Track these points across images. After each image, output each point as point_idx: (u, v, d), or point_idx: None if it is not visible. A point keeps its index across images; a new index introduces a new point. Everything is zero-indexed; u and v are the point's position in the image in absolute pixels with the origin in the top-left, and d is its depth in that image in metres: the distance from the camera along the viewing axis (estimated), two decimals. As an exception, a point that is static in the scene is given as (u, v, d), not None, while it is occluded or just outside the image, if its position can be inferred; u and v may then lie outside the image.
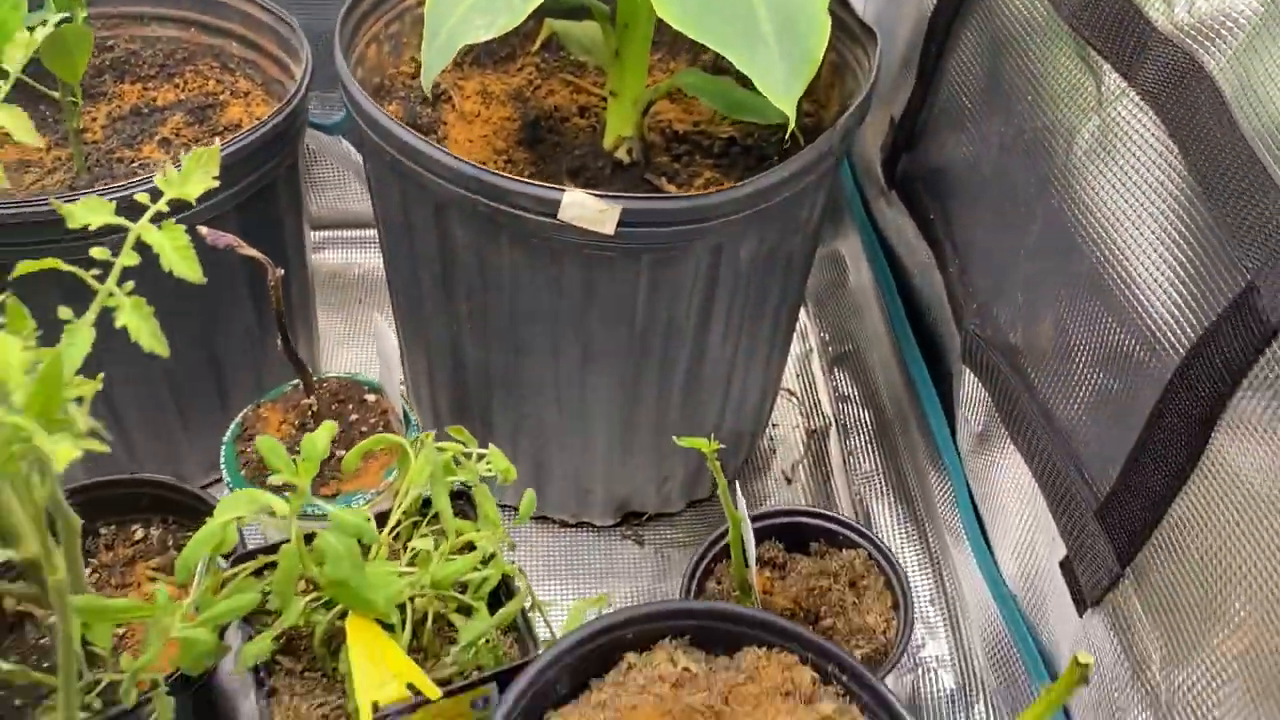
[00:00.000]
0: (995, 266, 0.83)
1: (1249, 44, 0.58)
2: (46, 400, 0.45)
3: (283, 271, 0.78)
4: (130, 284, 0.50)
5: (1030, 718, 0.56)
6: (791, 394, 1.17)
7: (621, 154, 0.93)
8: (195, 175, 0.54)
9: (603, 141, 0.94)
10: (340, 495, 0.83)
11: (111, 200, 0.52)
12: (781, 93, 0.69)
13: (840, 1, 0.95)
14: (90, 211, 0.51)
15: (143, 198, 0.54)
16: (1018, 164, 0.79)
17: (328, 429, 0.65)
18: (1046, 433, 0.74)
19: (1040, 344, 0.76)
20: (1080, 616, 0.70)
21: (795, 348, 1.18)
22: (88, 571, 0.77)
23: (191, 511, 0.80)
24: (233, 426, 0.90)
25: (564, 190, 0.75)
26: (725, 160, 0.95)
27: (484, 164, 0.81)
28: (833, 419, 1.13)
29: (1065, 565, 0.72)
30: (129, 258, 0.51)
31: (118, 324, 0.49)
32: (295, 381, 0.92)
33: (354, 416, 0.93)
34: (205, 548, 0.61)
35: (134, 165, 0.93)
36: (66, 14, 0.82)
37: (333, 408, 0.92)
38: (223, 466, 0.87)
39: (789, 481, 1.10)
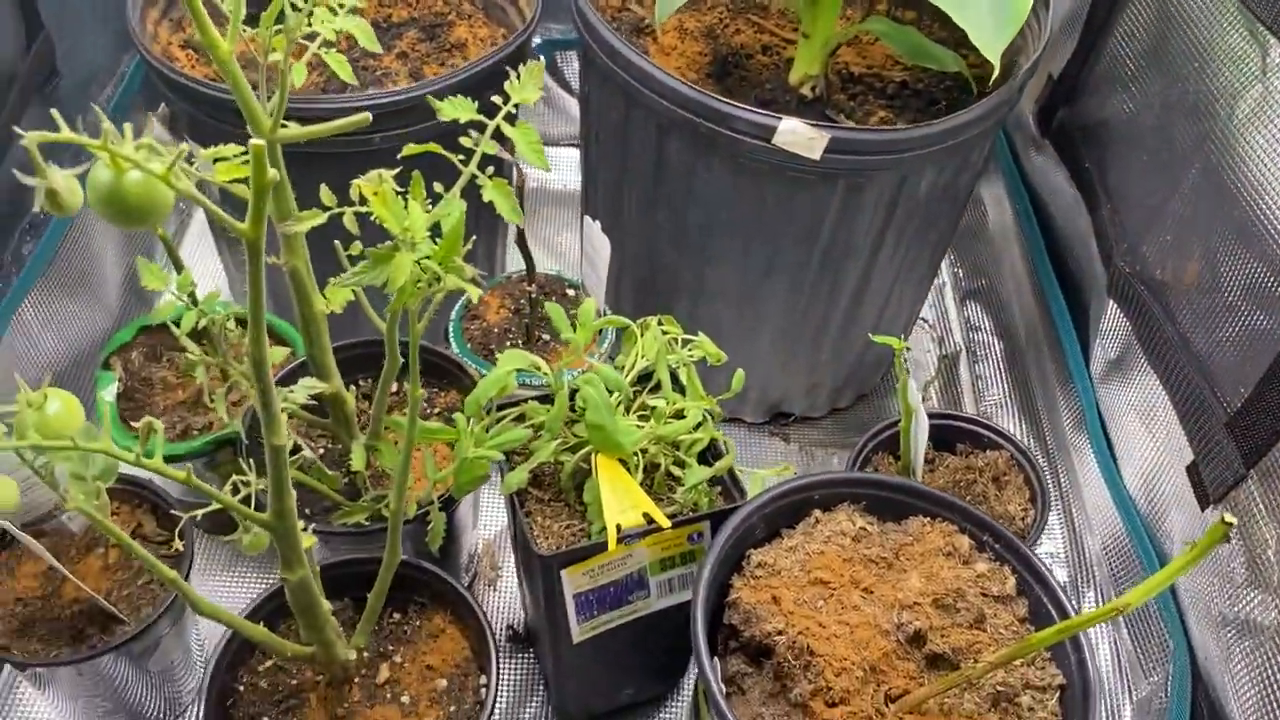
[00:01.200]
0: (1148, 210, 0.94)
1: None
2: (449, 250, 0.58)
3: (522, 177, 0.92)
4: (490, 169, 0.64)
5: (1164, 575, 0.69)
6: (925, 322, 1.29)
7: (805, 90, 1.05)
8: (529, 84, 0.67)
9: (788, 77, 1.06)
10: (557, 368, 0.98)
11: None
12: (990, 42, 0.80)
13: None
14: (456, 108, 0.65)
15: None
16: (1179, 122, 0.90)
17: (591, 304, 0.79)
18: (1186, 356, 0.86)
19: (1186, 280, 0.87)
20: (1202, 512, 0.82)
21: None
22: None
23: (440, 372, 0.94)
24: (458, 306, 1.04)
25: (781, 118, 0.88)
26: (898, 102, 1.06)
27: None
28: (963, 346, 1.25)
29: (1192, 469, 0.84)
30: (488, 146, 0.64)
31: (485, 198, 0.63)
32: (509, 273, 1.06)
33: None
34: (493, 389, 0.76)
35: (378, 74, 1.07)
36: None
37: (540, 299, 1.06)
38: (450, 339, 1.01)
39: (923, 401, 1.22)
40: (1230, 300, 0.82)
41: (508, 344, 1.05)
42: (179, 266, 0.80)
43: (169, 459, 0.89)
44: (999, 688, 0.71)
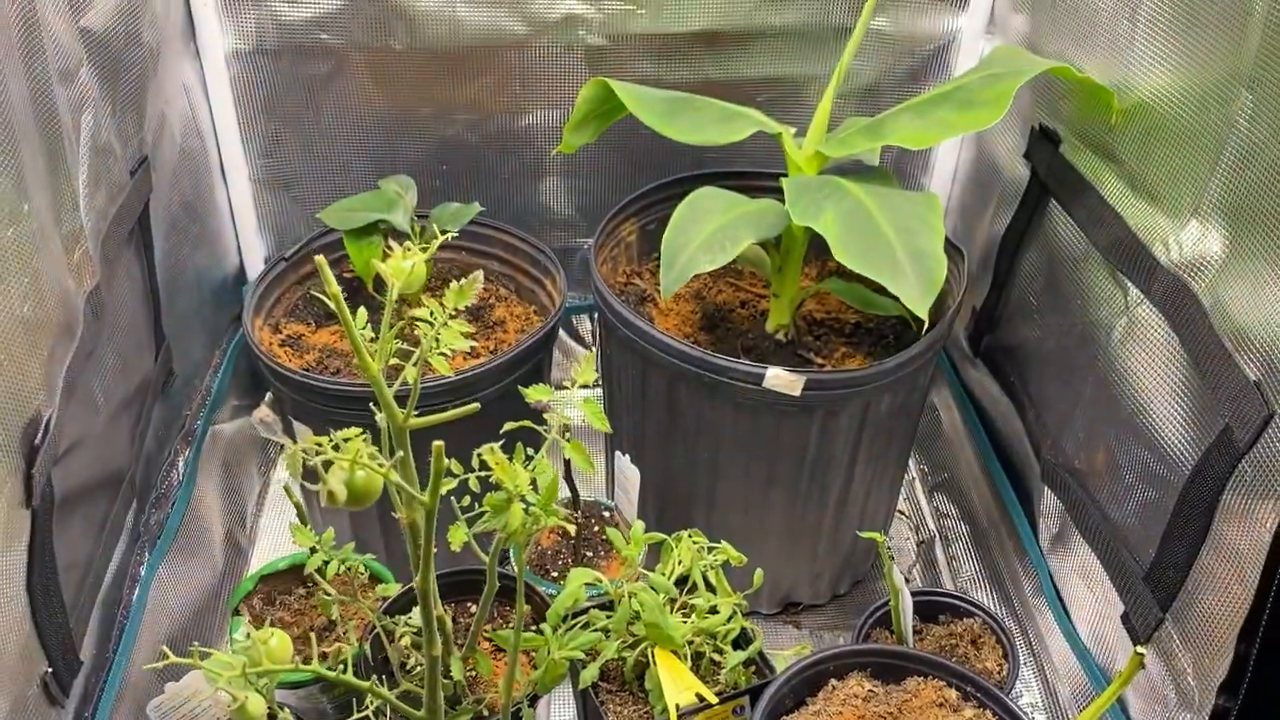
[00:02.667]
0: (1061, 414, 1.19)
1: (1218, 275, 0.95)
2: (548, 499, 0.81)
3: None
4: (569, 431, 0.87)
5: (1102, 702, 0.89)
6: (903, 514, 1.51)
7: (780, 336, 1.31)
8: (587, 369, 0.92)
9: (765, 326, 1.32)
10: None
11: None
12: (917, 304, 1.06)
13: (936, 228, 1.34)
14: (539, 392, 0.89)
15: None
16: (1073, 345, 1.16)
17: (640, 525, 1.01)
18: (1106, 527, 1.09)
19: (1097, 467, 1.11)
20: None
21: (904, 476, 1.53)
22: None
23: (505, 591, 1.14)
24: (515, 536, 1.25)
25: (767, 367, 1.13)
26: (855, 339, 1.32)
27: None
28: (936, 532, 1.47)
29: (1125, 618, 1.05)
30: (565, 418, 0.88)
31: (565, 455, 0.86)
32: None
33: (596, 527, 1.28)
34: (569, 601, 0.96)
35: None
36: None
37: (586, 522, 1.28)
38: (513, 562, 1.22)
39: (907, 581, 1.43)
40: (1130, 481, 1.05)
41: (560, 563, 1.26)
42: (305, 521, 1.01)
43: (298, 684, 1.08)
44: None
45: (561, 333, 1.64)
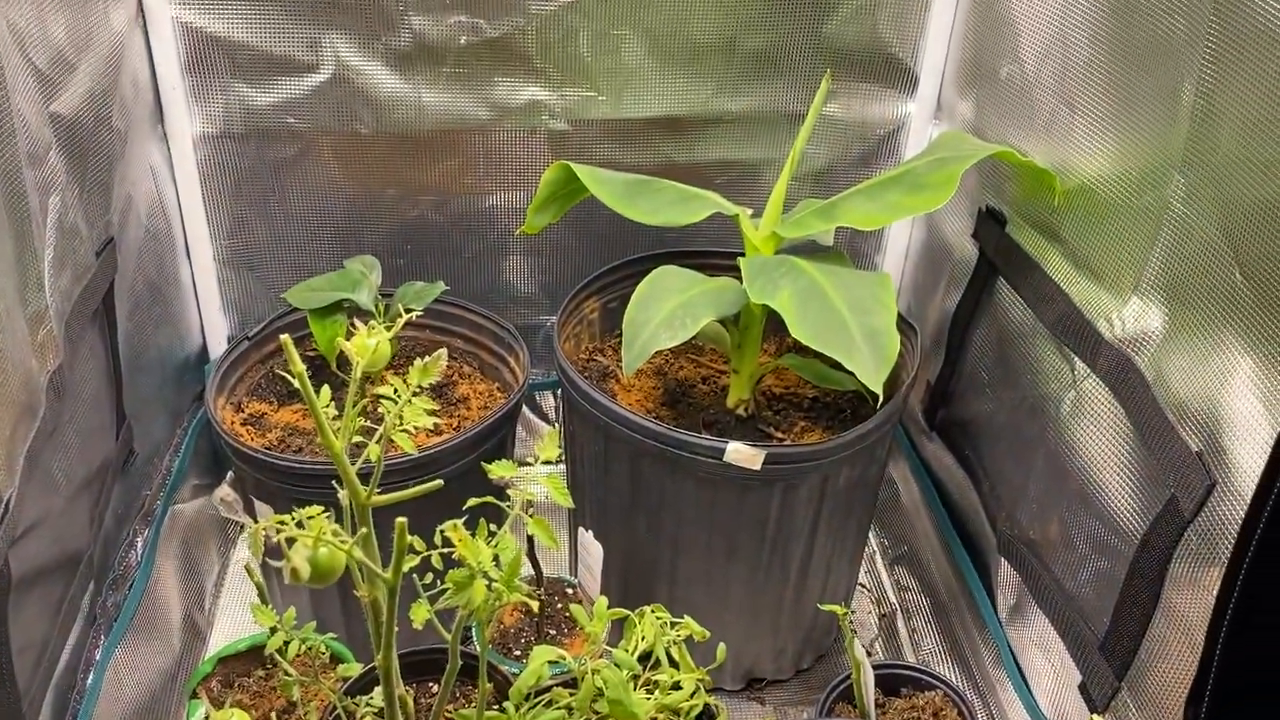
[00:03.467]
0: (1015, 486, 1.22)
1: (1159, 350, 0.99)
2: (510, 575, 0.82)
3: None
4: (532, 508, 0.88)
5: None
6: (864, 587, 1.52)
7: (741, 411, 1.33)
8: (550, 446, 0.93)
9: (726, 402, 1.34)
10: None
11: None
12: (872, 380, 1.08)
13: (890, 305, 1.37)
14: (503, 468, 0.90)
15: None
16: (1024, 419, 1.19)
17: (604, 602, 1.02)
18: (1061, 598, 1.10)
19: (1050, 538, 1.13)
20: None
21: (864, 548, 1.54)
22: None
23: (468, 670, 1.13)
24: (477, 613, 1.25)
25: (728, 441, 1.14)
26: (813, 413, 1.35)
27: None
28: (897, 604, 1.48)
29: (1082, 687, 1.06)
30: (530, 494, 0.89)
31: (529, 531, 0.87)
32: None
33: (559, 604, 1.28)
34: (533, 679, 0.96)
35: (398, 428, 1.32)
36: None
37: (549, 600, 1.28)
38: (475, 640, 1.22)
39: (869, 655, 1.43)
40: (1082, 552, 1.07)
41: (523, 641, 1.25)
42: (266, 601, 1.01)
43: (254, 769, 1.06)
44: None
45: (525, 409, 1.65)
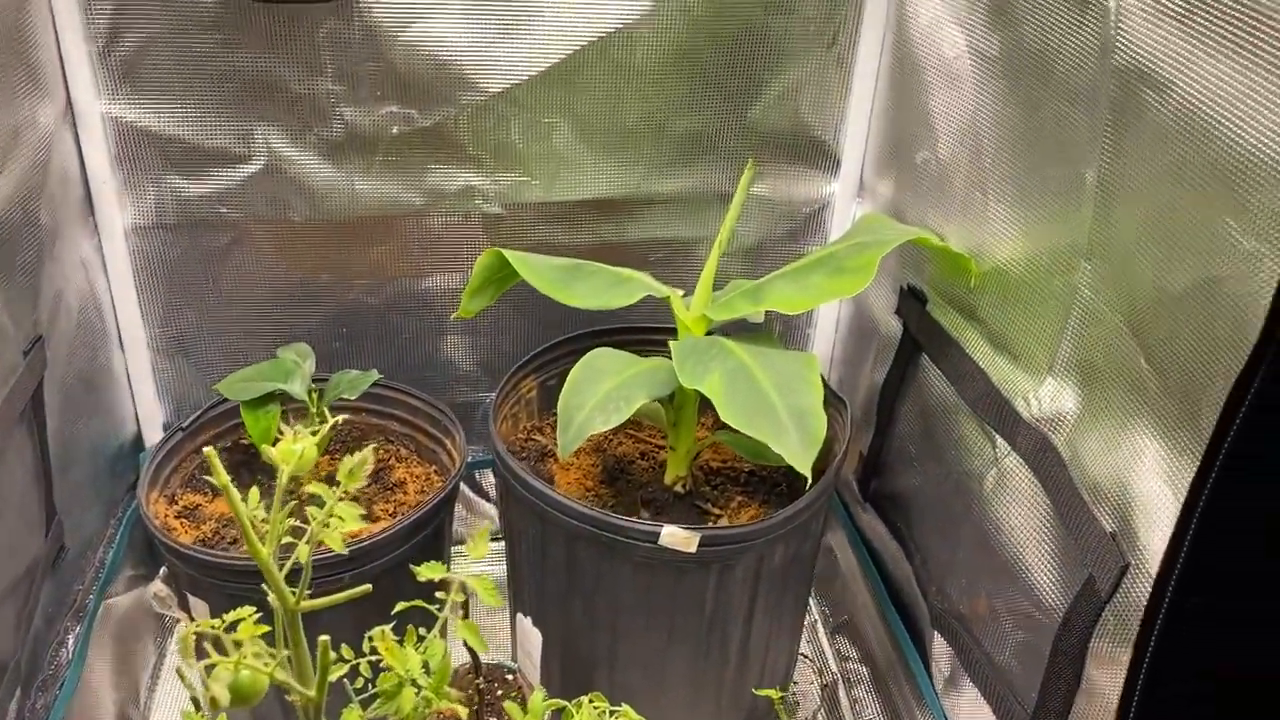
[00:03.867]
0: (944, 560, 1.24)
1: (1074, 430, 1.02)
2: (439, 682, 0.82)
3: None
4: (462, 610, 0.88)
5: None
6: (806, 657, 1.53)
7: (678, 488, 1.34)
8: (480, 544, 0.93)
9: (664, 479, 1.35)
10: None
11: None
12: (801, 461, 1.10)
13: (822, 381, 1.40)
14: (431, 570, 0.90)
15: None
16: (950, 492, 1.22)
17: (539, 695, 1.02)
18: (992, 671, 1.12)
19: (979, 611, 1.15)
20: (1027, 796, 1.06)
21: (805, 620, 1.56)
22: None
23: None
24: (417, 703, 1.24)
25: (663, 526, 1.16)
26: (749, 487, 1.36)
27: (579, 499, 1.21)
28: (838, 675, 1.49)
29: (1014, 761, 1.08)
30: (458, 595, 0.89)
31: (456, 635, 0.87)
32: (456, 667, 1.28)
33: (499, 690, 1.28)
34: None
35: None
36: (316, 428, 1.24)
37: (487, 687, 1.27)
38: (414, 733, 1.21)
39: (811, 725, 1.45)
40: (1009, 627, 1.10)
41: (462, 731, 1.24)
42: (198, 706, 1.00)
43: None
44: None
45: (466, 489, 1.66)
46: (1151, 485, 0.89)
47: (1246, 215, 0.77)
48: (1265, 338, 0.68)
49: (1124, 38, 0.90)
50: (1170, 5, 0.84)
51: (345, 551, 0.96)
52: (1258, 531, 0.74)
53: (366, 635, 0.84)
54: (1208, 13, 0.80)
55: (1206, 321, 0.82)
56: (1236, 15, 0.77)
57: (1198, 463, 0.82)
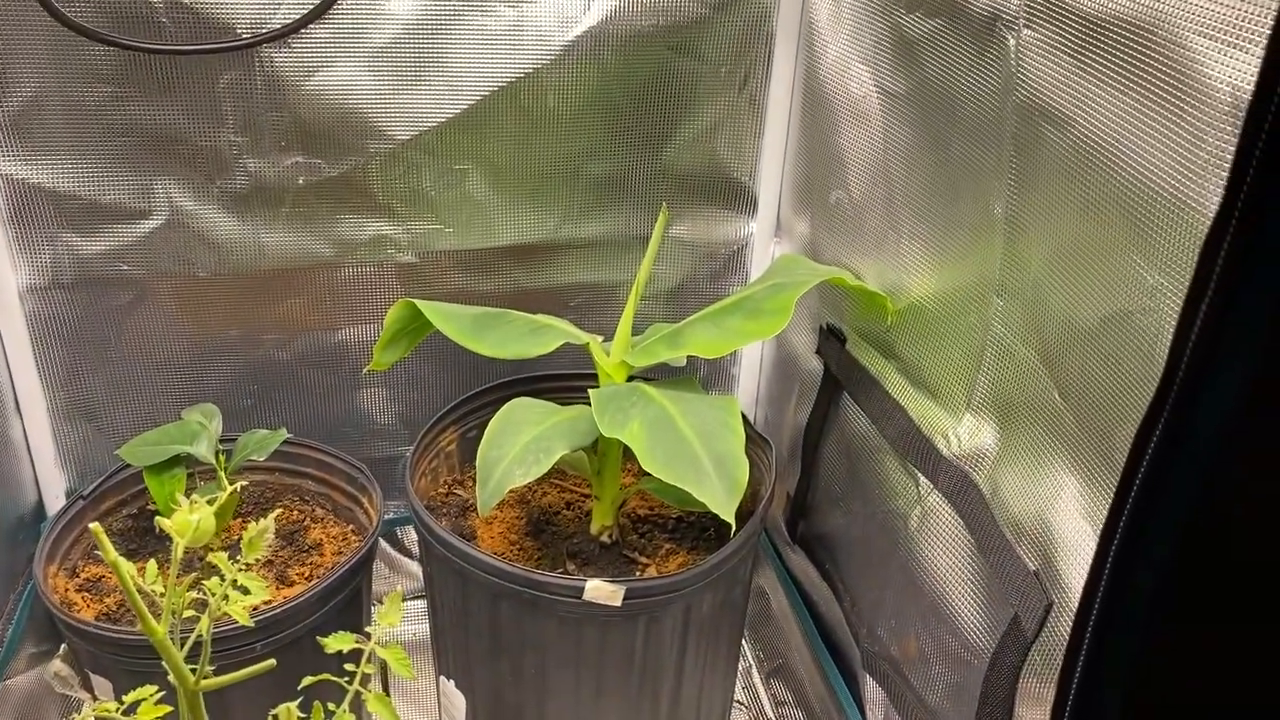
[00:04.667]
0: (872, 601, 1.23)
1: (994, 467, 1.02)
2: (349, 758, 0.78)
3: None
4: (374, 682, 0.84)
5: None
6: (741, 704, 1.51)
7: (604, 538, 1.32)
8: (392, 611, 0.90)
9: (590, 529, 1.33)
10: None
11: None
12: (723, 507, 1.08)
13: (746, 422, 1.39)
14: (339, 641, 0.86)
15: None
16: (876, 532, 1.21)
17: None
18: (924, 714, 1.11)
19: (909, 653, 1.14)
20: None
21: (739, 665, 1.53)
22: None
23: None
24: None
25: (586, 580, 1.13)
26: (677, 534, 1.34)
27: (504, 553, 1.18)
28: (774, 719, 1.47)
29: (950, 806, 1.06)
30: (369, 667, 0.85)
31: (368, 708, 0.83)
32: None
33: (425, 758, 1.23)
34: None
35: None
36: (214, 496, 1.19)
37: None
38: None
39: (749, 774, 1.42)
40: (940, 668, 1.08)
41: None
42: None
43: None
44: None
45: (388, 547, 1.61)
46: (1071, 522, 0.88)
47: (1150, 249, 0.77)
48: (1169, 374, 0.67)
49: (1024, 75, 0.91)
50: (1065, 42, 0.85)
51: (250, 624, 0.92)
52: (1172, 564, 0.74)
53: (271, 714, 0.79)
54: (1100, 48, 0.81)
55: (1116, 356, 0.82)
56: (1128, 51, 0.78)
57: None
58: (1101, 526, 0.75)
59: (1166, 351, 0.69)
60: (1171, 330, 0.71)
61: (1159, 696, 0.75)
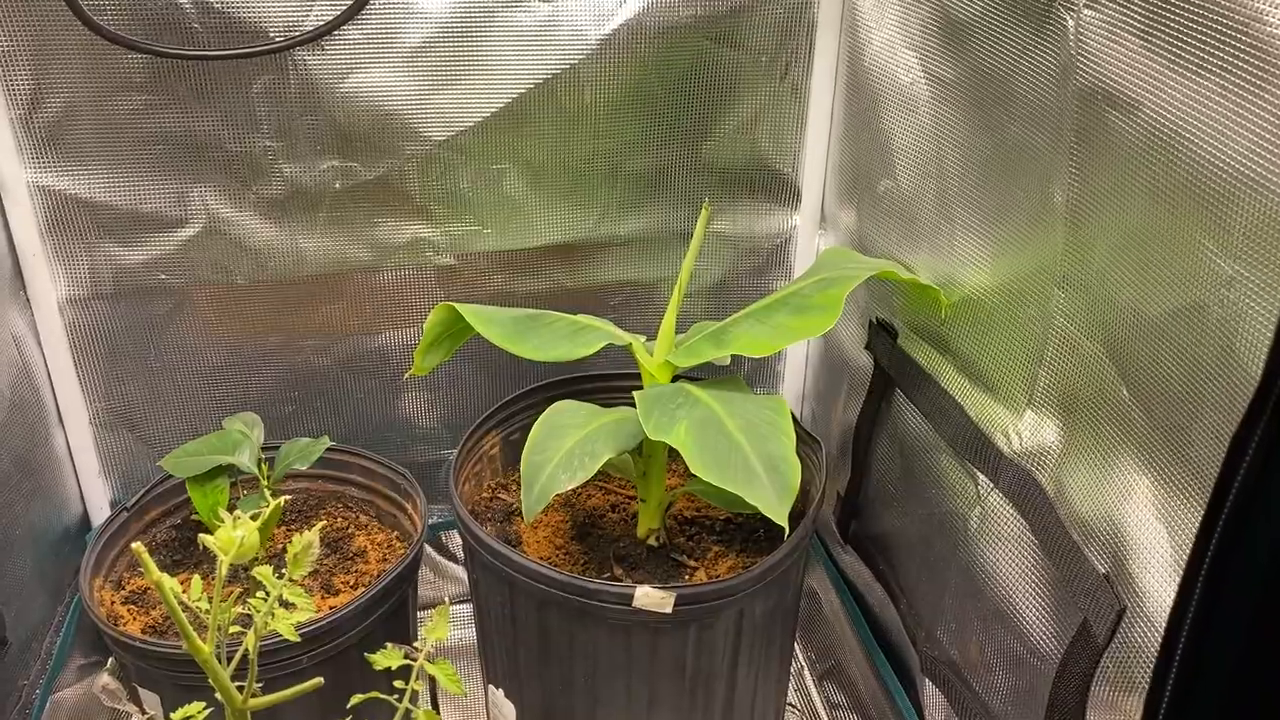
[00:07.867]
0: (931, 604, 1.19)
1: (1059, 465, 0.98)
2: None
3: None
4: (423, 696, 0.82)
5: None
6: (794, 707, 1.48)
7: (651, 540, 1.29)
8: (440, 624, 0.88)
9: (636, 532, 1.30)
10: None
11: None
12: (776, 511, 1.05)
13: (795, 421, 1.35)
14: (388, 658, 0.84)
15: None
16: (935, 533, 1.17)
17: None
18: (987, 718, 1.07)
19: (971, 658, 1.10)
20: None
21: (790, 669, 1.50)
22: None
23: None
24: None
25: (635, 587, 1.10)
26: (725, 535, 1.31)
27: (550, 558, 1.15)
28: (829, 724, 1.43)
29: (1017, 815, 1.03)
30: (418, 684, 0.83)
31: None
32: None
33: (475, 767, 1.21)
34: None
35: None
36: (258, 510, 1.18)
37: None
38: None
39: (803, 780, 1.38)
40: (1004, 673, 1.05)
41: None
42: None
43: None
44: None
45: (433, 552, 1.59)
46: (1145, 523, 0.84)
47: (1225, 237, 0.73)
48: (1270, 371, 0.63)
49: (1085, 57, 0.87)
50: (1130, 22, 0.81)
51: (297, 638, 0.91)
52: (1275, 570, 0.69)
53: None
54: (1171, 30, 0.77)
55: (1189, 349, 0.78)
56: (1200, 29, 0.73)
57: (1191, 499, 0.78)
58: (1181, 530, 0.71)
59: (1245, 344, 0.65)
60: (1251, 322, 0.67)
61: (1259, 709, 0.71)
